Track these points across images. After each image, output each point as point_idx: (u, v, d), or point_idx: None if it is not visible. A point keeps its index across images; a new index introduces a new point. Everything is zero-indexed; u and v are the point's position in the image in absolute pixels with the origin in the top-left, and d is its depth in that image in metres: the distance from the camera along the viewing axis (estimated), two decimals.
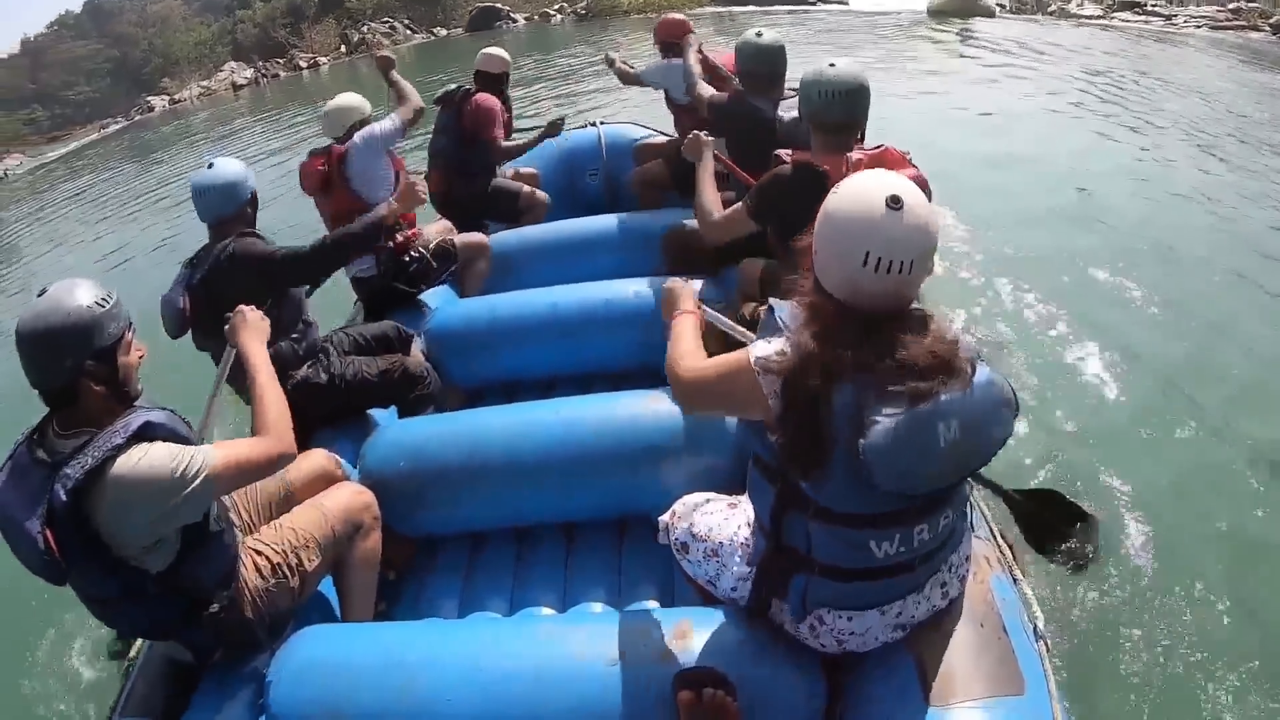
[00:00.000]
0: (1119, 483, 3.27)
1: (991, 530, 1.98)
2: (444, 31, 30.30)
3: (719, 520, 1.86)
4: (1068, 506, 2.30)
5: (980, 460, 1.40)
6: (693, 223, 3.60)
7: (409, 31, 29.95)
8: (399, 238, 3.53)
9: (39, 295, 1.66)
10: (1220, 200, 6.37)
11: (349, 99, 3.57)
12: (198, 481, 1.62)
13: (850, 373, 1.31)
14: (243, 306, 2.11)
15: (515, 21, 29.68)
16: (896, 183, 1.35)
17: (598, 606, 2.32)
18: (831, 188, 2.12)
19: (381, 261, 3.53)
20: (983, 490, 2.23)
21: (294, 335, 2.77)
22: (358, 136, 3.43)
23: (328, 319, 2.96)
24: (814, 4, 28.59)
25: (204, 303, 2.59)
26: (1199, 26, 21.43)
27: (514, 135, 4.65)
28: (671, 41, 4.42)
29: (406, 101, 3.62)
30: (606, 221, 4.05)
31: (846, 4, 29.30)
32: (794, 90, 3.14)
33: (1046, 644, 1.69)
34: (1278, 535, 2.99)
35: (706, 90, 3.58)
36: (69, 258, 10.15)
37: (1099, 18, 24.46)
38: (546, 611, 2.33)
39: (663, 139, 4.92)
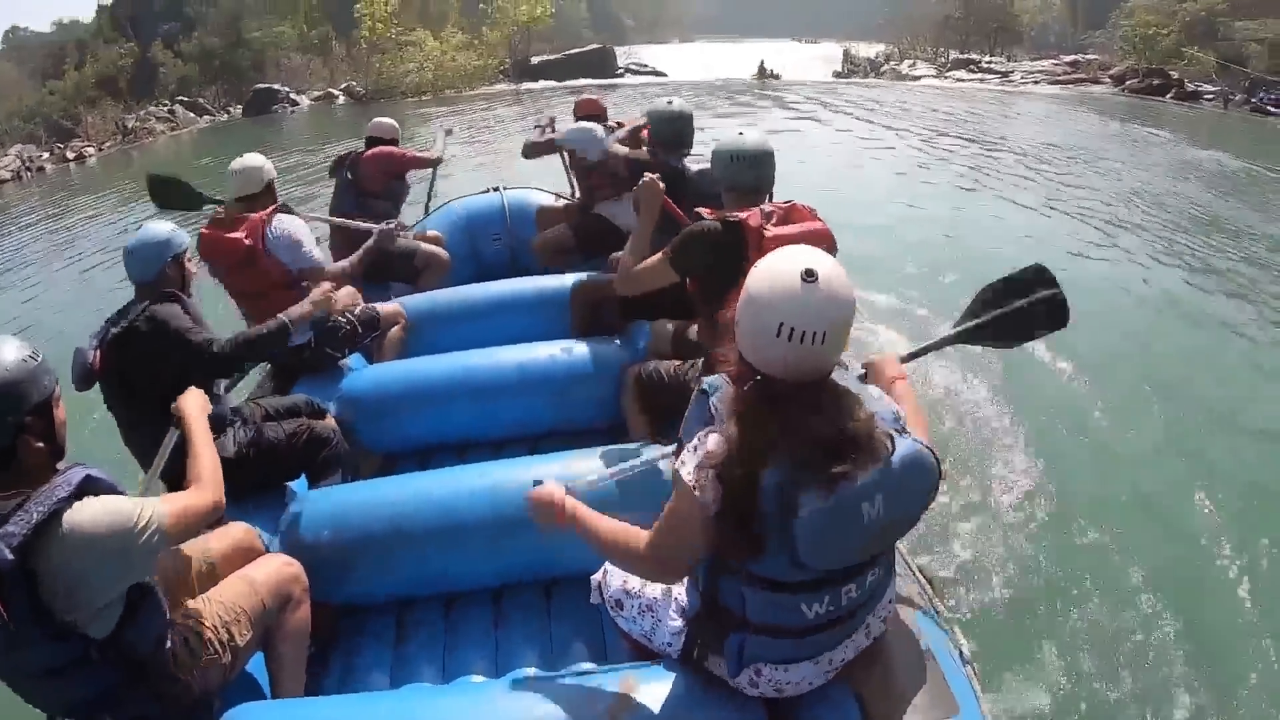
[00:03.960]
0: (1031, 500, 3.64)
1: (910, 567, 2.11)
2: (224, 116, 28.80)
3: None
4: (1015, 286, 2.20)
5: (907, 526, 1.49)
6: (602, 277, 3.70)
7: (190, 115, 27.87)
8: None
9: None
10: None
11: (255, 159, 3.52)
12: (151, 531, 1.61)
13: (774, 455, 1.35)
14: (190, 392, 2.17)
15: (296, 104, 28.16)
16: (813, 257, 1.41)
17: (531, 670, 2.30)
18: (748, 237, 2.30)
19: (313, 328, 3.45)
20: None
21: None
22: (281, 233, 3.31)
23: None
24: (620, 75, 29.32)
25: (114, 361, 2.51)
26: (1037, 82, 23.06)
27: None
28: (592, 114, 4.72)
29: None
30: (515, 284, 4.09)
31: (665, 75, 30.65)
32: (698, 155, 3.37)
33: (974, 669, 1.83)
34: (1192, 538, 3.41)
35: (622, 148, 3.82)
36: None
37: (933, 77, 26.03)
38: (480, 678, 2.30)
39: (564, 203, 5.04)
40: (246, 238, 3.28)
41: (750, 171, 2.59)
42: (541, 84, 28.58)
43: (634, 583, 1.91)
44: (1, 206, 16.17)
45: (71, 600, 1.56)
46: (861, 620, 1.63)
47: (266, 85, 29.78)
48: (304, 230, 3.39)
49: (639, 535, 1.59)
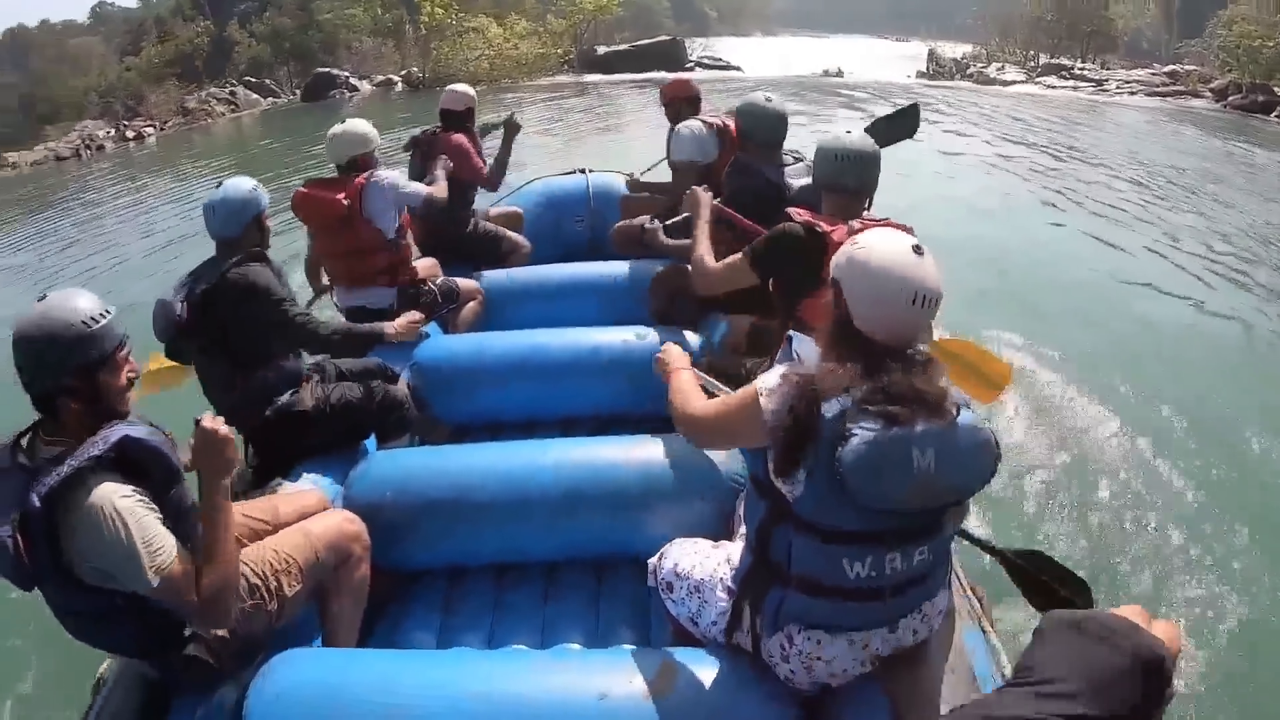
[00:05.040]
0: (1095, 520, 3.58)
1: (962, 584, 2.07)
2: (286, 99, 29.45)
3: (702, 559, 1.97)
4: (1057, 568, 2.16)
5: (955, 495, 1.53)
6: (682, 266, 3.68)
7: (254, 96, 28.77)
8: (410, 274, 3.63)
9: (39, 300, 1.66)
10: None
11: (359, 125, 3.54)
12: (147, 576, 1.59)
13: (842, 390, 1.47)
14: (207, 424, 1.77)
15: (356, 90, 28.26)
16: (910, 237, 1.61)
17: (576, 646, 2.34)
18: (832, 252, 2.29)
19: (398, 294, 3.58)
20: (963, 543, 2.22)
21: (282, 362, 2.78)
22: (382, 179, 3.40)
23: None
24: (689, 69, 28.71)
25: (200, 317, 2.59)
26: (1134, 93, 22.10)
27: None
28: (682, 98, 4.40)
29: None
30: (594, 268, 4.13)
31: (740, 70, 30.32)
32: (794, 156, 3.25)
33: None
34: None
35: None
36: None
37: (1022, 82, 24.97)
38: (524, 649, 2.34)
39: (652, 195, 4.92)
40: (345, 197, 3.34)
41: (853, 173, 2.49)
42: (606, 76, 28.01)
43: (684, 566, 1.97)
44: (62, 183, 16.76)
45: (84, 568, 1.61)
46: (903, 609, 1.65)
47: (326, 70, 30.34)
48: (400, 176, 3.50)
49: (701, 401, 1.87)
